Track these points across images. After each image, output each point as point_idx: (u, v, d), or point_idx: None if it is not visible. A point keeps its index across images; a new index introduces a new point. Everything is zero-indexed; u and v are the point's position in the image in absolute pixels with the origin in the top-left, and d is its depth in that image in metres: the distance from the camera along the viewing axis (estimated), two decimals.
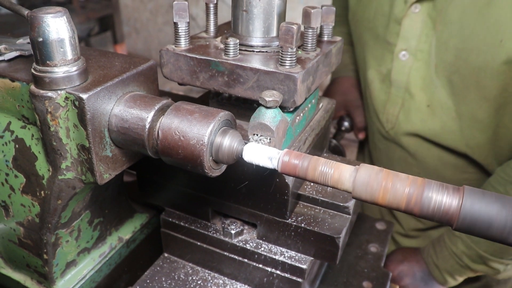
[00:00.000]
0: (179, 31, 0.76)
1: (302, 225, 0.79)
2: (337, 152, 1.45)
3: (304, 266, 0.80)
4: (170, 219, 0.89)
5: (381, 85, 1.33)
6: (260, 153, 0.62)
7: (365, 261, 1.03)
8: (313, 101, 0.85)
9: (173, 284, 0.87)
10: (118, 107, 0.66)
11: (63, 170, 0.68)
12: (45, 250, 0.75)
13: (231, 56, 0.73)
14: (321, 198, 0.82)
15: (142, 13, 5.22)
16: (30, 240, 0.77)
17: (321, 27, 0.83)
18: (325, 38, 0.84)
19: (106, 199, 0.84)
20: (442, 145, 1.28)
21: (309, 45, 0.76)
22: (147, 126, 0.64)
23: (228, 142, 0.63)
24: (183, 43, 0.76)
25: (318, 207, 0.83)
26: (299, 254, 0.82)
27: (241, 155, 0.63)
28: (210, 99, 0.83)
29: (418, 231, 1.48)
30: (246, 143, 0.64)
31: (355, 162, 0.90)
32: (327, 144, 0.99)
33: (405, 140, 1.33)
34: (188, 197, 0.86)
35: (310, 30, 0.75)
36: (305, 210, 0.83)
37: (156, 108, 0.65)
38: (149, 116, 0.64)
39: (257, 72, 0.70)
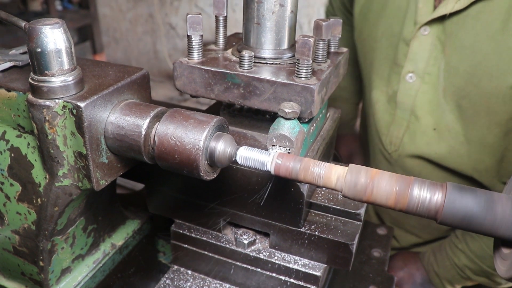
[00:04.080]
0: (193, 44, 0.77)
1: (316, 233, 0.80)
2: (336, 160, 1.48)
3: (318, 274, 0.82)
4: (181, 231, 0.90)
5: (386, 107, 1.31)
6: (253, 156, 0.65)
7: (369, 266, 1.06)
8: (323, 111, 0.87)
9: None
10: (114, 115, 0.68)
11: (60, 177, 0.69)
12: (41, 257, 0.76)
13: (246, 68, 0.74)
14: (333, 206, 0.84)
15: (121, 22, 5.20)
16: (26, 248, 0.78)
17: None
18: (332, 49, 0.86)
19: (99, 206, 0.85)
20: (447, 168, 1.26)
21: (320, 57, 0.78)
22: (143, 132, 0.66)
23: (222, 146, 0.65)
24: (196, 55, 0.78)
25: (330, 215, 0.85)
26: (312, 262, 0.83)
27: (235, 158, 0.66)
28: (222, 110, 0.85)
29: (416, 246, 1.47)
30: (239, 147, 0.66)
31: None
32: (333, 152, 1.02)
33: (409, 162, 1.31)
34: (199, 208, 0.87)
35: (321, 42, 0.77)
36: (317, 218, 0.84)
37: (151, 115, 0.67)
38: (144, 123, 0.66)
39: (274, 84, 0.72)
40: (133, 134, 0.67)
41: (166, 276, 0.93)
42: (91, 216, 0.84)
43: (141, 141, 0.66)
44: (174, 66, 0.78)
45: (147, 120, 0.66)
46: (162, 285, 0.90)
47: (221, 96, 0.77)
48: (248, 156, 0.65)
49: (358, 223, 0.84)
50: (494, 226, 0.53)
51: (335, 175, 0.60)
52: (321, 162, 0.61)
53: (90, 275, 0.86)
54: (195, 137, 0.63)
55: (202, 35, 0.78)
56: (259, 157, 0.64)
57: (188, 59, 0.78)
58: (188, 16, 0.75)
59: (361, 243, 1.14)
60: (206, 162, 0.65)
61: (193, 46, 0.78)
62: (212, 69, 0.76)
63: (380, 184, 0.58)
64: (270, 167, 0.63)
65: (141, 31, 5.12)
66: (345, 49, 0.89)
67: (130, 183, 3.32)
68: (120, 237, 0.94)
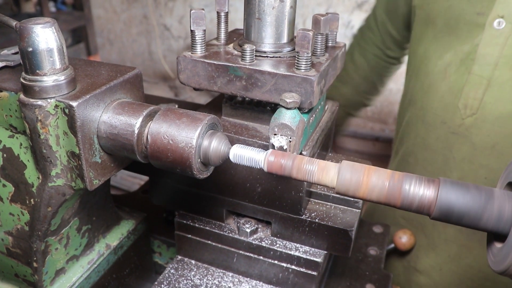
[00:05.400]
0: (196, 38, 0.79)
1: (316, 220, 0.83)
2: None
3: (318, 260, 0.85)
4: (185, 221, 0.92)
5: (459, 67, 1.21)
6: (246, 154, 0.65)
7: (366, 264, 1.07)
8: (322, 103, 0.90)
9: (188, 285, 0.90)
10: (107, 114, 0.68)
11: (53, 177, 0.69)
12: (34, 258, 0.76)
13: (247, 61, 0.77)
14: (333, 194, 0.87)
15: (115, 24, 5.19)
16: (19, 249, 0.77)
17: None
18: (330, 44, 0.89)
19: (93, 206, 0.85)
20: None
21: (318, 50, 0.81)
22: (136, 131, 0.66)
23: (215, 144, 0.65)
24: (199, 50, 0.80)
25: (329, 203, 0.88)
26: (313, 249, 0.86)
27: (228, 157, 0.66)
28: (224, 103, 0.87)
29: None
30: (232, 145, 0.66)
31: (362, 161, 0.96)
32: (331, 144, 1.05)
33: (487, 127, 1.20)
34: (202, 198, 0.90)
35: (320, 36, 0.80)
36: (317, 206, 0.87)
37: (144, 114, 0.67)
38: (137, 121, 0.66)
39: (275, 76, 0.74)
40: (126, 133, 0.66)
41: (171, 266, 0.94)
42: (85, 217, 0.83)
43: (134, 140, 0.66)
44: (178, 60, 0.80)
45: (140, 119, 0.66)
46: (167, 275, 0.92)
47: (224, 89, 0.79)
48: (241, 154, 0.65)
49: (357, 210, 0.86)
50: (486, 221, 0.53)
51: (328, 171, 0.60)
52: (314, 159, 0.61)
53: (84, 276, 0.86)
54: (188, 136, 0.63)
55: (205, 30, 0.80)
56: (252, 155, 0.64)
57: (192, 53, 0.80)
58: (192, 11, 0.77)
59: (357, 241, 1.14)
60: (199, 160, 0.65)
61: (197, 41, 0.80)
62: (215, 62, 0.78)
63: (373, 180, 0.58)
64: (263, 164, 0.63)
65: (136, 32, 5.12)
66: (342, 43, 0.91)
67: (125, 185, 3.33)
68: (114, 238, 0.93)
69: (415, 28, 1.41)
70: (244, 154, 0.65)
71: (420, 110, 1.36)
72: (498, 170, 1.21)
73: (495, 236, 0.57)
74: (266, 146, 0.78)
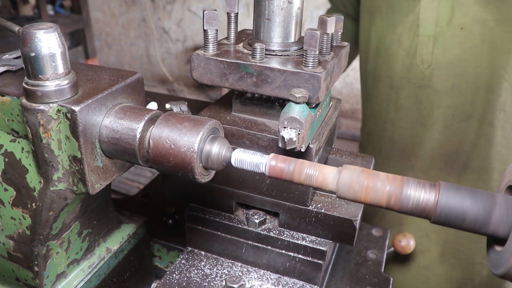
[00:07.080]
0: (209, 37, 0.83)
1: (322, 211, 0.87)
2: None
3: (324, 248, 0.88)
4: (195, 213, 0.95)
5: (408, 34, 1.42)
6: (248, 159, 0.65)
7: (365, 268, 1.07)
8: (327, 99, 0.94)
9: (199, 275, 0.92)
10: (109, 119, 0.68)
11: (55, 182, 0.69)
12: (36, 262, 0.76)
13: (258, 59, 0.80)
14: None
15: (113, 27, 5.20)
16: (21, 253, 0.77)
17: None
18: (335, 43, 0.93)
19: (94, 210, 0.85)
20: (485, 67, 1.35)
21: (324, 49, 0.84)
22: (138, 136, 0.66)
23: (217, 149, 0.66)
24: (211, 48, 0.83)
25: (334, 195, 0.90)
26: (319, 238, 0.90)
27: (229, 161, 0.66)
28: (234, 100, 0.90)
29: None
30: (233, 150, 0.67)
31: (365, 156, 1.01)
32: (335, 139, 1.08)
33: (444, 73, 1.40)
34: (212, 191, 0.93)
35: (325, 36, 0.83)
36: (323, 198, 0.91)
37: (146, 118, 0.67)
38: (139, 126, 0.67)
39: (284, 73, 0.78)
40: (128, 138, 0.67)
41: (181, 257, 0.96)
42: (86, 221, 0.83)
43: (136, 145, 0.67)
44: (192, 58, 0.83)
45: (142, 124, 0.67)
46: (178, 265, 0.94)
47: (235, 85, 0.82)
48: (243, 158, 0.66)
49: None
50: (487, 224, 0.54)
51: (329, 176, 0.60)
52: (315, 163, 0.62)
53: (85, 280, 0.86)
54: (190, 140, 0.64)
55: (217, 30, 0.83)
56: (253, 159, 0.65)
57: (204, 51, 0.84)
58: (205, 12, 0.81)
59: (357, 244, 1.15)
60: (201, 164, 0.66)
61: (209, 40, 0.83)
62: (227, 60, 0.81)
63: (373, 184, 0.58)
64: (264, 169, 0.64)
65: (134, 35, 5.12)
66: (346, 43, 0.95)
67: (123, 188, 3.32)
68: (115, 241, 0.94)
69: (363, 19, 1.60)
70: (245, 159, 0.65)
71: (387, 79, 1.55)
72: (460, 106, 1.42)
73: (495, 239, 0.57)
74: (275, 139, 0.81)
